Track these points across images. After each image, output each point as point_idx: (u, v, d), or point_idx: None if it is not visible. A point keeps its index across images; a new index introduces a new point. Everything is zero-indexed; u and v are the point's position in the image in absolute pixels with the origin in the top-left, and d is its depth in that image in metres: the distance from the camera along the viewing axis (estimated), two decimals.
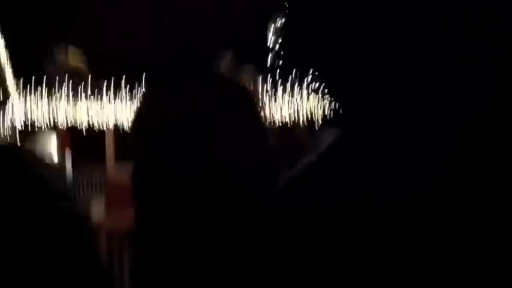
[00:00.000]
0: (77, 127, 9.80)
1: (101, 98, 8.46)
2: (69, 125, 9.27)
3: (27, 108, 8.81)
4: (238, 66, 1.18)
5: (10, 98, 8.12)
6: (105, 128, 9.57)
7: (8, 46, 9.11)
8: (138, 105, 0.97)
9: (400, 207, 0.51)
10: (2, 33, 9.30)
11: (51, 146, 8.97)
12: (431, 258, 0.49)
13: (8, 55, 9.12)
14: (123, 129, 9.04)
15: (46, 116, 9.17)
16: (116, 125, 9.29)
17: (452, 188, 0.51)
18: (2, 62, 9.48)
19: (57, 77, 8.26)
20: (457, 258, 0.49)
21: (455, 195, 0.51)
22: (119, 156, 7.79)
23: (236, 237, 0.75)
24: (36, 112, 9.00)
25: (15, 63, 9.58)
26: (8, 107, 8.43)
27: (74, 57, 8.25)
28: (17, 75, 9.63)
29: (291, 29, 0.67)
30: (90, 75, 8.06)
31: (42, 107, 8.78)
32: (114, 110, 8.95)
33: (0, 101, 8.03)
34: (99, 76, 8.18)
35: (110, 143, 9.13)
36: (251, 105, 0.90)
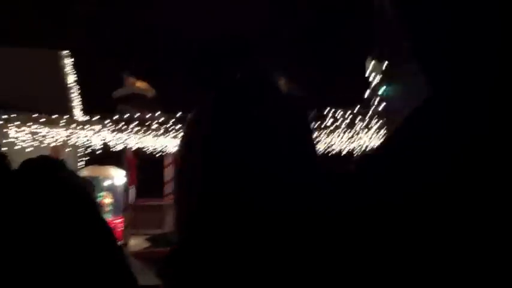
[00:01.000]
0: (141, 156, 9.91)
1: (166, 129, 8.45)
2: (135, 157, 9.34)
3: (96, 135, 8.96)
4: (292, 92, 1.07)
5: (78, 124, 8.33)
6: (166, 158, 9.60)
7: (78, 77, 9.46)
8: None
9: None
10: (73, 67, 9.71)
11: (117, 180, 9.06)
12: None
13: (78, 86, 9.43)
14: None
15: (116, 143, 9.32)
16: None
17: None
18: (72, 92, 9.85)
19: (125, 100, 8.37)
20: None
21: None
22: None
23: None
24: (106, 139, 9.15)
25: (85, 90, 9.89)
26: (75, 134, 8.65)
27: (139, 81, 8.42)
28: (87, 103, 9.95)
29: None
30: (155, 97, 8.12)
31: (112, 135, 8.89)
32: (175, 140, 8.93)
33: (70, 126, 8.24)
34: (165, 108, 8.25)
35: (170, 173, 9.10)
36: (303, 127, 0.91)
